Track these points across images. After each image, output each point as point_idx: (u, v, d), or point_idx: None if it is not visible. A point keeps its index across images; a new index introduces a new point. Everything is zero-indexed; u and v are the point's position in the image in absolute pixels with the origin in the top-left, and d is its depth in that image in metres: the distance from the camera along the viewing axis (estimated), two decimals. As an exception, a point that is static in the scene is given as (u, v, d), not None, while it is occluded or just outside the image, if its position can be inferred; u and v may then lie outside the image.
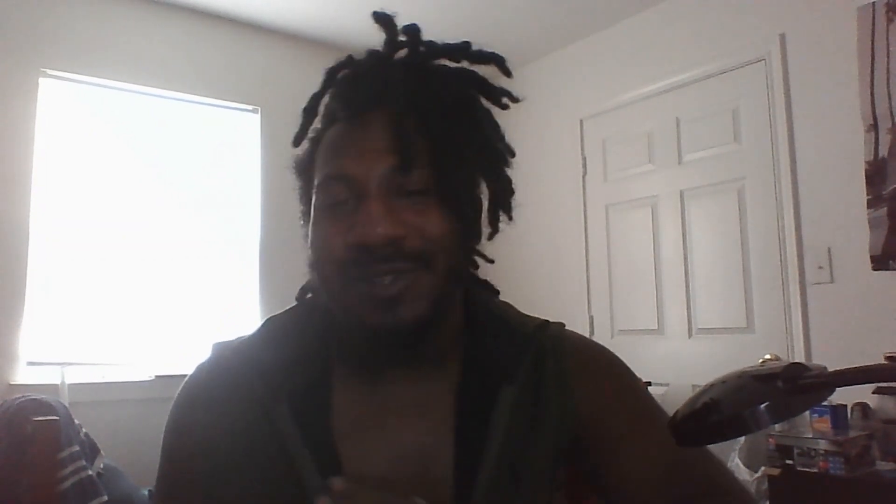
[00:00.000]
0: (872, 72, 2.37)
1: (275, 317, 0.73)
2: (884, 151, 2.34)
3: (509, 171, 0.71)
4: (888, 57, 2.34)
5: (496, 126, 0.70)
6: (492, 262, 0.74)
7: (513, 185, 0.71)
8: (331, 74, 0.69)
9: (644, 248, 3.15)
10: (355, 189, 0.62)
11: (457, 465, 0.65)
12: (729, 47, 2.86)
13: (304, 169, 0.70)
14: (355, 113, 0.64)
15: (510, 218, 0.70)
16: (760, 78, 2.75)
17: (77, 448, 2.09)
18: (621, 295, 3.25)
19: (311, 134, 0.71)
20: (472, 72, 0.69)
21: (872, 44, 2.38)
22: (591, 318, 3.35)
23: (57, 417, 2.03)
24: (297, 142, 0.71)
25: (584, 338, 0.79)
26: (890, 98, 2.33)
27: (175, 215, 3.08)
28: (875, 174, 2.35)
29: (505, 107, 0.69)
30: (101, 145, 2.94)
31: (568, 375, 0.71)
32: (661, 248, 3.10)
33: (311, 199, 0.67)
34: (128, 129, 3.02)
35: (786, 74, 2.65)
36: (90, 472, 2.09)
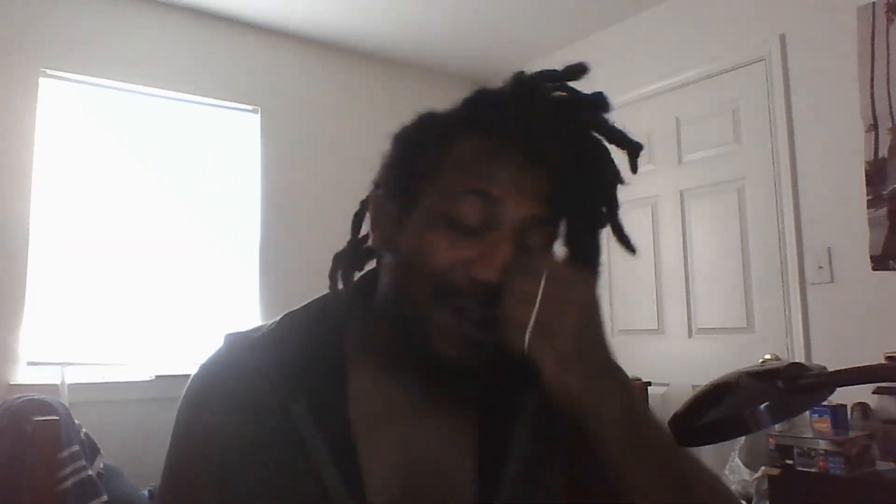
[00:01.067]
0: (872, 72, 2.37)
1: (292, 312, 0.71)
2: (884, 151, 2.34)
3: None
4: (888, 57, 2.34)
5: (620, 178, 0.69)
6: None
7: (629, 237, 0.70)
8: (504, 86, 0.66)
9: (644, 248, 3.15)
10: (496, 218, 0.60)
11: (480, 470, 0.64)
12: (729, 47, 2.86)
13: (420, 152, 0.65)
14: (520, 140, 0.61)
15: (632, 251, 0.70)
16: (760, 78, 2.74)
17: (77, 448, 2.09)
18: (621, 295, 3.25)
19: (436, 118, 0.67)
20: (637, 143, 0.69)
21: (872, 44, 2.38)
22: (591, 318, 3.35)
23: (57, 417, 2.03)
24: (434, 122, 0.66)
25: None
26: (890, 98, 2.33)
27: (175, 215, 3.08)
28: (875, 174, 2.35)
29: (622, 181, 0.68)
30: (101, 145, 2.94)
31: None
32: (661, 248, 3.10)
33: (415, 192, 0.64)
34: (128, 129, 3.02)
35: (786, 74, 2.65)
36: (90, 472, 2.09)
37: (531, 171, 0.61)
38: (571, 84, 0.66)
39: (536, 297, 0.55)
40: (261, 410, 0.63)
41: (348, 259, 0.71)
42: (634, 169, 0.67)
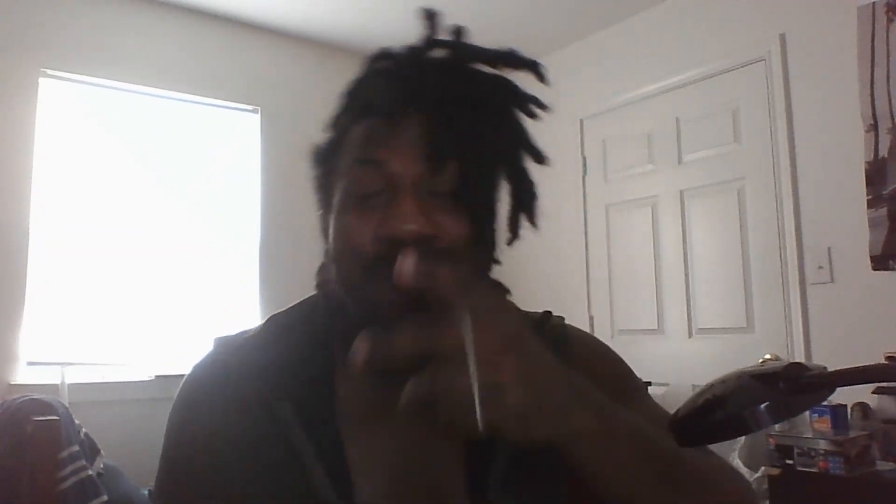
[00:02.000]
0: (872, 72, 2.37)
1: (278, 314, 0.73)
2: (884, 151, 2.34)
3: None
4: (888, 57, 2.34)
5: (526, 134, 0.68)
6: (500, 263, 0.72)
7: (537, 191, 0.69)
8: (371, 64, 0.68)
9: (644, 248, 3.15)
10: (388, 180, 0.61)
11: (469, 462, 0.64)
12: (729, 47, 2.86)
13: (326, 158, 0.68)
14: (394, 108, 0.63)
15: (535, 225, 0.69)
16: (760, 78, 2.75)
17: (77, 448, 2.09)
18: (621, 295, 3.25)
19: (337, 120, 0.69)
20: (507, 79, 0.68)
21: (872, 44, 2.38)
22: (591, 318, 3.35)
23: (57, 417, 2.03)
24: (332, 126, 0.69)
25: (585, 332, 0.80)
26: (890, 98, 2.33)
27: (175, 215, 3.08)
28: (875, 174, 2.36)
29: (534, 116, 0.68)
30: (101, 145, 2.94)
31: (572, 362, 0.69)
32: (661, 248, 3.10)
33: (330, 189, 0.66)
34: (128, 129, 3.02)
35: (786, 74, 2.65)
36: (90, 472, 2.09)
37: (410, 124, 0.61)
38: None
39: (469, 368, 0.48)
40: (249, 412, 0.64)
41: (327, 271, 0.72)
42: (543, 80, 0.67)
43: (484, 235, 0.65)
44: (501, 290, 0.76)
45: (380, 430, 0.65)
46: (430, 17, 0.67)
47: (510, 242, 0.70)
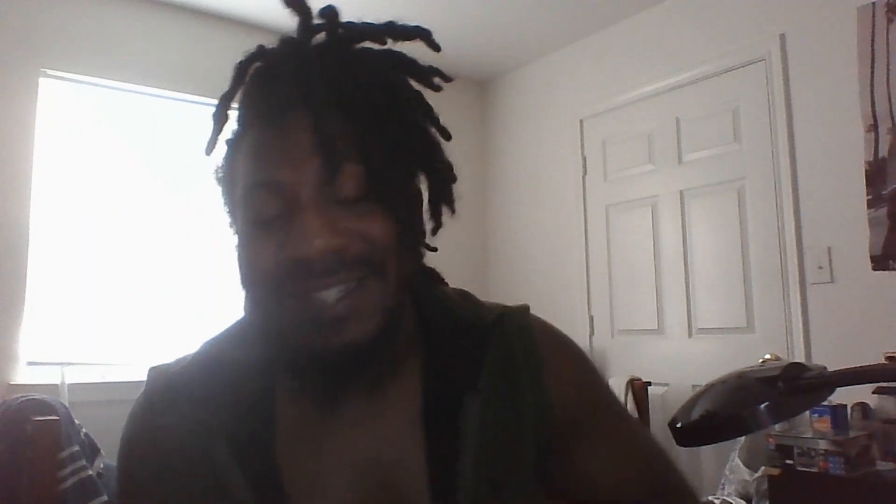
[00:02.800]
0: (872, 72, 2.37)
1: (210, 341, 0.68)
2: (884, 151, 2.34)
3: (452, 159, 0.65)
4: (888, 57, 2.34)
5: (429, 109, 0.63)
6: (434, 250, 0.67)
7: (454, 173, 0.65)
8: (241, 70, 0.62)
9: (644, 248, 3.16)
10: (285, 198, 0.56)
11: (432, 482, 0.60)
12: (729, 47, 2.86)
13: (225, 178, 0.63)
14: (274, 113, 0.57)
15: (453, 211, 0.64)
16: (760, 78, 2.75)
17: (77, 448, 2.09)
18: (621, 295, 3.25)
19: (229, 137, 0.64)
20: (399, 53, 0.62)
21: (872, 44, 2.38)
22: (591, 318, 3.35)
23: (57, 417, 2.03)
24: (208, 150, 0.64)
25: (551, 326, 0.72)
26: (890, 98, 2.33)
27: (175, 215, 3.08)
28: (875, 174, 2.36)
29: (437, 88, 0.63)
30: (101, 145, 2.94)
31: (540, 368, 0.66)
32: (661, 248, 3.10)
33: (234, 212, 0.62)
34: (128, 129, 3.02)
35: (786, 74, 2.65)
36: (90, 472, 2.09)
37: (293, 131, 0.56)
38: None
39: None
40: (184, 450, 0.61)
41: None
42: (435, 48, 0.62)
43: (406, 231, 0.60)
44: (436, 279, 0.72)
45: (324, 448, 0.62)
46: (297, 3, 0.61)
47: (434, 232, 0.65)
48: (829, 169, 2.51)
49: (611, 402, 0.72)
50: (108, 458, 2.29)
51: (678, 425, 0.56)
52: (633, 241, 3.21)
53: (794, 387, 0.50)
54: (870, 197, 2.36)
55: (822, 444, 2.03)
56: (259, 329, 0.64)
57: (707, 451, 2.76)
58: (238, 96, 0.63)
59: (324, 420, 0.62)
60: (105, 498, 2.08)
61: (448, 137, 0.63)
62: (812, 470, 2.04)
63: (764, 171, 2.72)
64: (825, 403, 2.09)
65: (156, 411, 0.64)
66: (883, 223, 2.32)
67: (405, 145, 0.60)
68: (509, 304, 0.72)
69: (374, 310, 0.57)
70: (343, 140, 0.56)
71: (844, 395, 2.21)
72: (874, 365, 0.48)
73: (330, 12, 0.61)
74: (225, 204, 0.64)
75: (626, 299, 3.23)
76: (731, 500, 2.28)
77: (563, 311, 3.38)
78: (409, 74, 0.62)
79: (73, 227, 2.83)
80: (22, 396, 2.17)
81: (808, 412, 2.15)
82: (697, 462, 2.82)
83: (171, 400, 0.63)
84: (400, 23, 0.61)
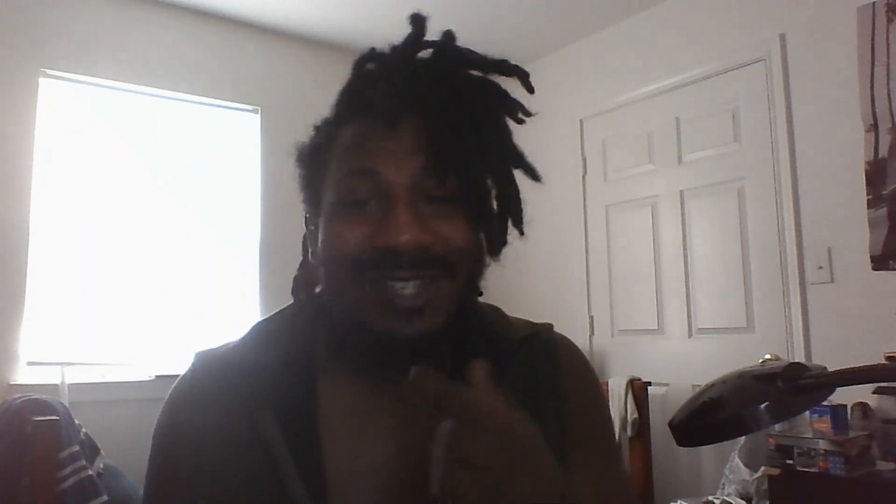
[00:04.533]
0: (872, 72, 2.37)
1: (262, 321, 0.72)
2: (884, 151, 2.34)
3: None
4: (888, 57, 2.34)
5: (511, 136, 0.69)
6: (498, 261, 0.72)
7: (521, 197, 0.69)
8: (359, 66, 0.66)
9: (644, 248, 3.16)
10: (382, 189, 0.61)
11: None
12: (729, 47, 2.86)
13: (313, 161, 0.68)
14: (384, 110, 0.62)
15: (521, 232, 0.68)
16: (760, 78, 2.75)
17: (77, 448, 2.09)
18: (621, 295, 3.25)
19: (319, 124, 0.69)
20: (496, 84, 0.67)
21: (872, 44, 2.38)
22: (591, 318, 3.35)
23: (57, 417, 2.03)
24: (322, 127, 0.68)
25: (574, 346, 0.78)
26: (890, 98, 2.33)
27: (175, 215, 3.08)
28: (875, 174, 2.36)
29: (520, 121, 0.68)
30: (101, 145, 2.94)
31: (562, 382, 0.71)
32: (661, 248, 3.10)
33: (318, 194, 0.66)
34: (128, 129, 3.02)
35: (786, 74, 2.65)
36: (90, 472, 2.09)
37: (402, 129, 0.61)
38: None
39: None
40: (230, 420, 0.64)
41: (304, 279, 0.72)
42: (530, 90, 0.66)
43: (480, 240, 0.65)
44: (499, 313, 0.76)
45: (366, 436, 0.65)
46: (419, 21, 0.66)
47: (500, 249, 0.68)
48: (829, 169, 2.51)
49: (610, 433, 0.76)
50: (108, 457, 2.29)
51: (678, 425, 0.56)
52: (633, 241, 3.21)
53: (794, 387, 0.50)
54: (870, 197, 2.36)
55: (822, 444, 2.03)
56: (310, 309, 0.69)
57: (707, 451, 2.76)
58: (347, 89, 0.67)
59: (367, 406, 0.66)
60: (105, 498, 2.08)
61: (537, 179, 0.67)
62: (812, 470, 2.04)
63: (764, 171, 2.72)
64: (825, 403, 2.09)
65: (202, 387, 0.67)
66: (883, 223, 2.32)
67: (495, 165, 0.65)
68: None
69: (443, 307, 0.62)
70: (447, 146, 0.61)
71: (844, 395, 2.21)
72: (874, 365, 0.48)
73: (448, 34, 0.66)
74: (306, 186, 0.69)
75: (626, 299, 3.23)
76: (731, 500, 2.28)
77: (563, 311, 3.38)
78: (501, 104, 0.67)
79: (73, 227, 2.83)
80: (22, 396, 2.17)
81: (808, 412, 2.16)
82: (697, 462, 2.82)
83: (220, 375, 0.67)
84: (509, 61, 0.66)
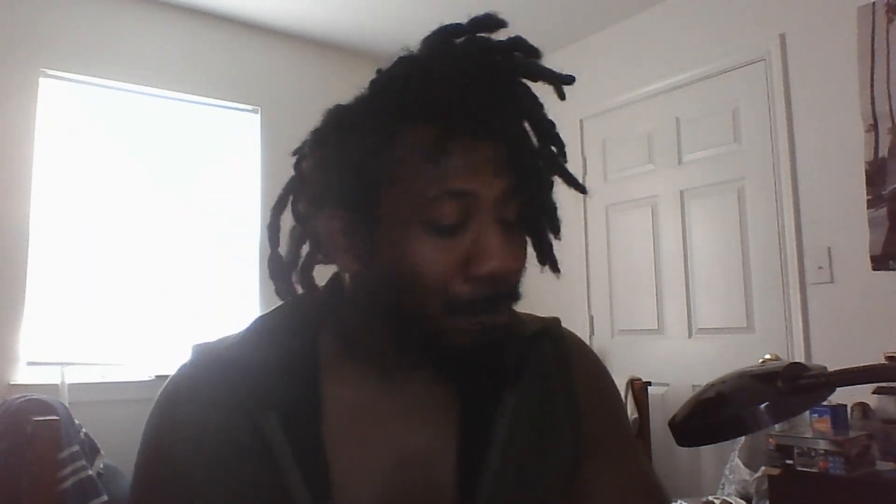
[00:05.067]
0: (872, 72, 2.37)
1: (264, 316, 0.69)
2: (884, 151, 2.34)
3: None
4: (888, 57, 2.34)
5: (565, 149, 0.68)
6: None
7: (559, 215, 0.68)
8: (415, 64, 0.61)
9: (644, 248, 3.15)
10: (468, 211, 0.58)
11: (460, 470, 0.62)
12: (729, 47, 2.86)
13: (365, 167, 0.59)
14: (466, 125, 0.57)
15: (559, 239, 0.68)
16: (760, 78, 2.75)
17: (77, 448, 2.09)
18: (621, 295, 3.25)
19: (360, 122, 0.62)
20: (536, 97, 0.66)
21: (872, 44, 2.38)
22: (591, 318, 3.35)
23: (57, 417, 2.03)
24: (372, 125, 0.60)
25: (583, 343, 0.77)
26: (890, 98, 2.33)
27: (175, 215, 3.08)
28: (875, 174, 2.35)
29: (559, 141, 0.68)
30: (101, 145, 2.94)
31: (573, 384, 0.71)
32: (661, 248, 3.10)
33: (373, 199, 0.59)
34: (128, 129, 3.02)
35: (786, 74, 2.65)
36: (90, 472, 2.09)
37: (485, 145, 0.58)
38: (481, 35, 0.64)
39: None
40: (229, 426, 0.61)
41: (282, 267, 0.67)
42: (562, 96, 0.66)
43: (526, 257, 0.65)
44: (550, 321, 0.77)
45: (373, 438, 0.63)
46: (494, 23, 0.64)
47: (555, 262, 0.69)
48: (829, 169, 2.51)
49: (627, 426, 0.75)
50: (108, 457, 2.29)
51: (678, 425, 0.56)
52: (633, 241, 3.21)
53: (794, 387, 0.50)
54: (870, 197, 2.36)
55: (822, 444, 2.03)
56: (313, 306, 0.67)
57: (707, 451, 2.76)
58: (394, 89, 0.62)
59: (375, 408, 0.64)
60: (105, 498, 2.08)
61: (584, 191, 0.68)
62: (812, 470, 2.04)
63: (764, 171, 2.72)
64: (825, 403, 2.09)
65: (201, 383, 0.65)
66: (883, 223, 2.32)
67: (549, 185, 0.64)
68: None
69: (505, 325, 0.62)
70: (527, 166, 0.60)
71: (844, 395, 2.21)
72: (874, 365, 0.48)
73: (518, 39, 0.65)
74: (349, 194, 0.61)
75: (626, 299, 3.23)
76: (731, 500, 2.28)
77: (564, 311, 3.35)
78: (550, 119, 0.66)
79: (73, 227, 2.83)
80: (22, 396, 2.17)
81: (808, 412, 2.16)
82: (697, 462, 2.82)
83: (220, 372, 0.64)
84: (555, 70, 0.66)
